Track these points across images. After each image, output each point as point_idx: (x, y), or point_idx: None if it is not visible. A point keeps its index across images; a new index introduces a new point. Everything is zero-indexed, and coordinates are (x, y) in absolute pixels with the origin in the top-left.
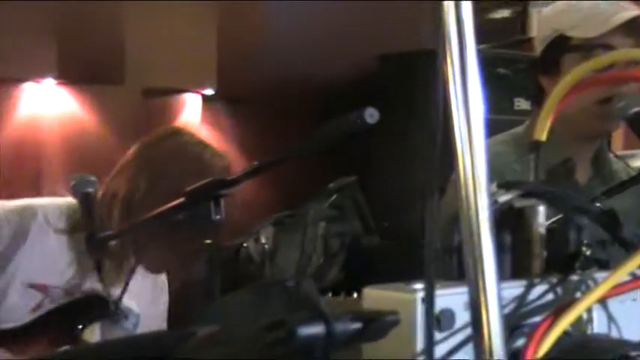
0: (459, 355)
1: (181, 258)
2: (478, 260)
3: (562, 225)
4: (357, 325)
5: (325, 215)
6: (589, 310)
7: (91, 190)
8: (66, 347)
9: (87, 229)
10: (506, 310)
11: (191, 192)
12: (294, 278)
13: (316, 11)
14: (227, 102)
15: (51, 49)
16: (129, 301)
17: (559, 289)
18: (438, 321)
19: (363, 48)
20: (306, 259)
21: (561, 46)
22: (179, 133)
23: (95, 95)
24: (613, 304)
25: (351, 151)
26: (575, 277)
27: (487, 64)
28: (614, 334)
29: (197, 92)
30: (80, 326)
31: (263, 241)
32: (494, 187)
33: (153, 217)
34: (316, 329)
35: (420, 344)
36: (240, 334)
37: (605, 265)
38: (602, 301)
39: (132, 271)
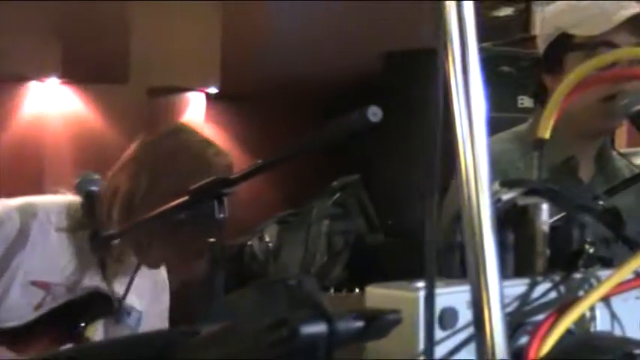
0: (462, 353)
1: (185, 257)
2: (480, 259)
3: (565, 223)
4: (360, 324)
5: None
6: (592, 309)
7: (95, 188)
8: (69, 345)
9: (91, 228)
10: (509, 309)
11: (194, 191)
12: (297, 276)
13: (319, 10)
14: (231, 101)
15: (55, 49)
16: (130, 298)
17: (562, 287)
18: (440, 319)
19: (367, 46)
20: (310, 258)
21: (564, 45)
22: (182, 130)
23: (99, 94)
24: (616, 302)
25: (354, 149)
26: (578, 275)
27: (490, 62)
28: (617, 332)
29: (201, 91)
30: (83, 324)
31: (267, 239)
32: (497, 185)
33: (156, 216)
34: (318, 328)
35: (422, 343)
36: (243, 332)
37: (608, 263)
38: (606, 299)
39: (136, 270)
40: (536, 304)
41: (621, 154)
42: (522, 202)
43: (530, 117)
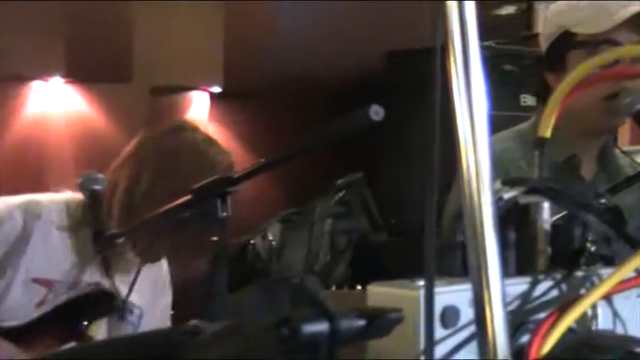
0: (464, 351)
1: (187, 254)
2: (482, 257)
3: (567, 221)
4: (361, 323)
5: (332, 212)
6: (594, 307)
7: (98, 187)
8: (72, 344)
9: (94, 227)
10: (511, 307)
11: (198, 189)
12: (300, 275)
13: (322, 9)
14: (234, 99)
15: (59, 48)
16: (132, 295)
17: (564, 286)
18: (442, 318)
19: (370, 45)
20: (313, 256)
21: (567, 43)
22: (184, 128)
23: (103, 93)
24: (618, 300)
25: (358, 148)
26: (579, 274)
27: (493, 61)
28: (619, 330)
29: (204, 90)
30: (85, 323)
31: (270, 238)
32: (498, 183)
33: (160, 215)
34: (320, 327)
35: (424, 341)
36: (246, 332)
37: (610, 262)
38: (607, 298)
39: (139, 268)
40: (537, 302)
41: (624, 152)
42: (524, 200)
43: (533, 115)
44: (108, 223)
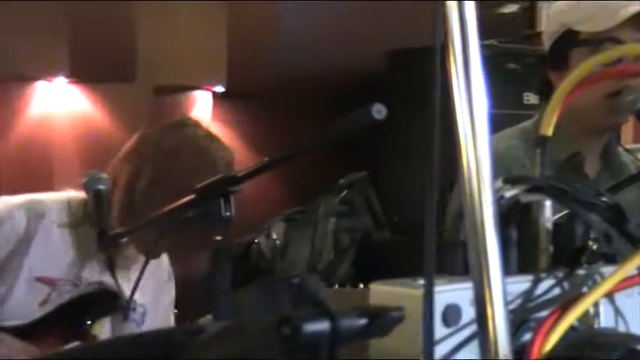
0: (466, 350)
1: (190, 254)
2: (482, 256)
3: (568, 220)
4: (362, 322)
5: (336, 211)
6: (596, 305)
7: (102, 187)
8: (75, 343)
9: (99, 226)
10: (513, 305)
11: (201, 189)
12: (301, 274)
13: (325, 8)
14: (237, 99)
15: (62, 48)
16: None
17: (566, 284)
18: (443, 317)
19: (372, 44)
20: (317, 255)
21: (570, 41)
22: (185, 124)
23: (106, 93)
24: (620, 298)
25: (361, 146)
26: (581, 272)
27: (496, 59)
28: (621, 328)
29: (208, 89)
30: (89, 322)
31: (274, 236)
32: (500, 182)
33: (163, 214)
34: (321, 326)
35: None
36: (247, 331)
37: (611, 260)
38: (609, 296)
39: (143, 267)
40: (539, 300)
41: (627, 150)
42: (525, 199)
43: (536, 113)
44: (109, 221)
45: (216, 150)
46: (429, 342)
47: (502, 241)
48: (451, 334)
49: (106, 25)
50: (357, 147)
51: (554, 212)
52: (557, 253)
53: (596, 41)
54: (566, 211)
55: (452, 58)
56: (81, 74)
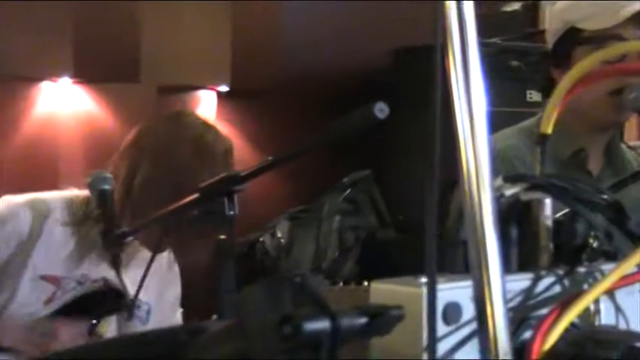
0: (466, 348)
1: (194, 252)
2: (482, 254)
3: (569, 217)
4: (363, 320)
5: (340, 209)
6: (596, 302)
7: (107, 187)
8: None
9: (104, 226)
10: (513, 303)
11: (205, 188)
12: (309, 272)
13: (328, 8)
14: (241, 98)
15: (67, 48)
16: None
17: (566, 282)
18: (444, 315)
19: (375, 43)
20: (322, 253)
21: (573, 39)
22: (182, 114)
23: (111, 93)
24: (620, 295)
25: (365, 145)
26: (582, 269)
27: (499, 57)
28: (622, 325)
29: (212, 89)
30: (95, 321)
31: (279, 235)
32: (500, 180)
33: (168, 213)
34: (322, 324)
35: (426, 338)
36: (248, 330)
37: (612, 257)
38: (610, 293)
39: (148, 265)
40: (540, 298)
41: (630, 147)
42: (525, 197)
43: (539, 111)
44: (114, 220)
45: (213, 139)
46: (432, 340)
47: (502, 239)
48: (451, 332)
49: (110, 25)
50: (361, 145)
51: (556, 210)
52: (557, 250)
53: (599, 39)
54: (567, 209)
55: (451, 58)
56: (86, 74)
